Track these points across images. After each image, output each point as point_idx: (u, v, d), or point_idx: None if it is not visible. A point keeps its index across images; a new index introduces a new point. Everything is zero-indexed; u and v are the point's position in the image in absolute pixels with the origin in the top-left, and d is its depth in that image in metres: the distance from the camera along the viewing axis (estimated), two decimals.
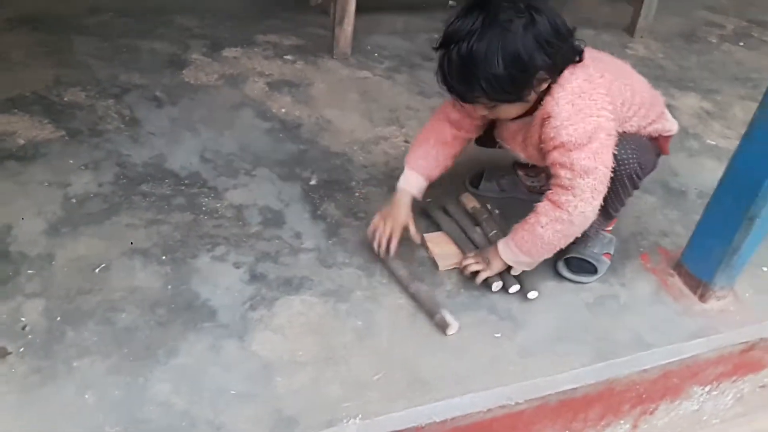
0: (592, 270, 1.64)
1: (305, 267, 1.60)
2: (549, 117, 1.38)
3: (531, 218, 1.44)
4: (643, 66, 2.69)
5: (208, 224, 1.69)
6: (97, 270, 1.53)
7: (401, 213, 1.59)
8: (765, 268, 1.78)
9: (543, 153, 1.44)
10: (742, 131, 1.48)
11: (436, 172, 1.62)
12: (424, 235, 1.69)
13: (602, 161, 1.37)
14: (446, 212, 1.77)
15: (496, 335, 1.47)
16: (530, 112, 1.45)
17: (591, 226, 1.47)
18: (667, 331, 1.57)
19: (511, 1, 1.30)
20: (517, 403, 1.36)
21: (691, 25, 3.12)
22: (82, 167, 1.82)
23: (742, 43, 3.00)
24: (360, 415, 1.27)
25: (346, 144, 2.06)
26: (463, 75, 1.33)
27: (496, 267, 1.53)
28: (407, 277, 1.56)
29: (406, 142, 2.09)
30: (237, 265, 1.58)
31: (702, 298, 1.64)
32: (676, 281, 1.69)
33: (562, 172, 1.38)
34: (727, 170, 1.53)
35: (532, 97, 1.40)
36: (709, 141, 2.26)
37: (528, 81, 1.34)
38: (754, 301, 1.68)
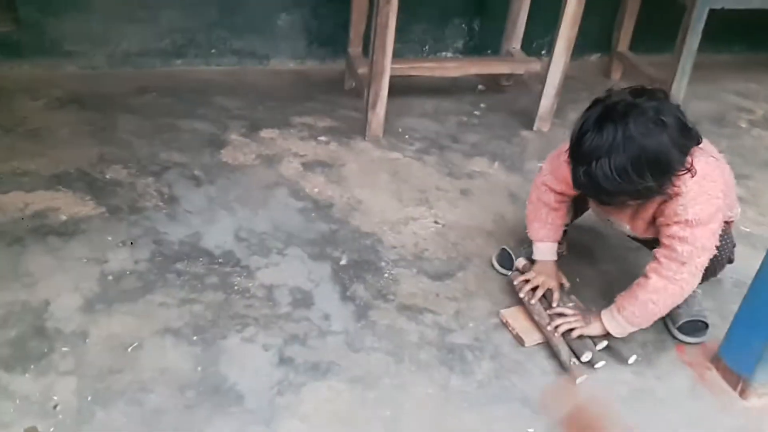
0: (703, 327, 1.73)
1: (333, 351, 1.59)
2: (677, 195, 1.46)
3: (640, 294, 1.54)
4: None
5: (239, 304, 1.70)
6: (129, 349, 1.54)
7: (553, 272, 1.76)
8: None
9: (655, 226, 1.56)
10: None
11: (559, 233, 1.78)
12: (502, 311, 1.74)
13: (716, 241, 1.51)
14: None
15: (529, 430, 1.43)
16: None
17: None
18: (704, 428, 1.51)
19: (640, 111, 1.37)
20: None
21: (721, 110, 3.14)
22: (120, 244, 1.87)
23: None
24: None
25: (377, 224, 2.09)
26: (611, 190, 1.40)
27: (594, 331, 1.62)
28: (546, 317, 1.66)
29: (436, 222, 2.11)
30: (266, 348, 1.58)
31: (742, 394, 1.59)
32: (714, 375, 1.64)
33: (680, 248, 1.48)
34: (765, 260, 1.50)
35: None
36: (743, 228, 2.24)
37: (671, 180, 1.43)
38: None
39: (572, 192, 1.66)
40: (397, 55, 2.46)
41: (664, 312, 1.58)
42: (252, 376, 1.50)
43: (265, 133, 2.52)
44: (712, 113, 3.08)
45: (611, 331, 1.60)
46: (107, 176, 2.16)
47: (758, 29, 3.58)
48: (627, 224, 1.65)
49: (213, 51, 2.93)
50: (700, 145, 1.48)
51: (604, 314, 1.61)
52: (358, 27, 2.75)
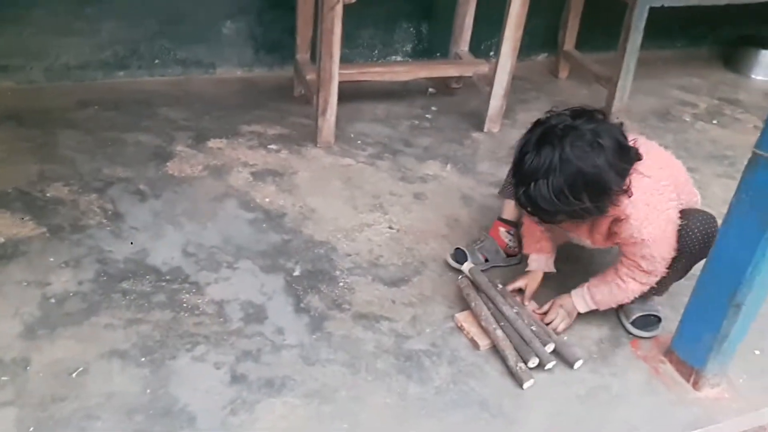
0: (656, 321, 1.77)
1: (287, 365, 1.56)
2: (627, 217, 1.50)
3: (615, 291, 1.65)
4: None
5: (188, 322, 1.65)
6: (74, 374, 1.48)
7: (536, 280, 1.78)
8: (757, 351, 1.75)
9: (612, 240, 1.63)
10: (723, 210, 1.48)
11: (546, 244, 1.77)
12: (457, 315, 1.74)
13: (674, 248, 1.57)
14: (475, 287, 1.77)
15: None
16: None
17: None
18: (661, 422, 1.53)
19: (578, 133, 1.39)
20: None
21: (665, 105, 3.21)
22: (62, 265, 1.79)
23: (715, 121, 3.08)
24: None
25: (330, 232, 2.06)
26: (548, 210, 1.43)
27: (573, 317, 1.72)
28: (493, 322, 1.66)
29: (390, 228, 2.10)
30: (217, 366, 1.54)
31: (695, 385, 1.61)
32: (668, 368, 1.66)
33: (644, 263, 1.57)
34: (710, 256, 1.53)
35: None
36: None
37: (609, 201, 1.46)
38: (748, 387, 1.65)
39: None
40: (345, 60, 2.44)
41: (626, 302, 1.69)
42: (203, 396, 1.45)
43: (213, 143, 2.46)
44: (657, 108, 3.15)
45: (579, 309, 1.70)
46: (48, 194, 2.08)
47: (698, 24, 3.69)
48: (587, 239, 1.67)
49: (156, 61, 2.86)
50: (645, 148, 1.51)
51: (576, 296, 1.70)
52: (304, 33, 2.72)
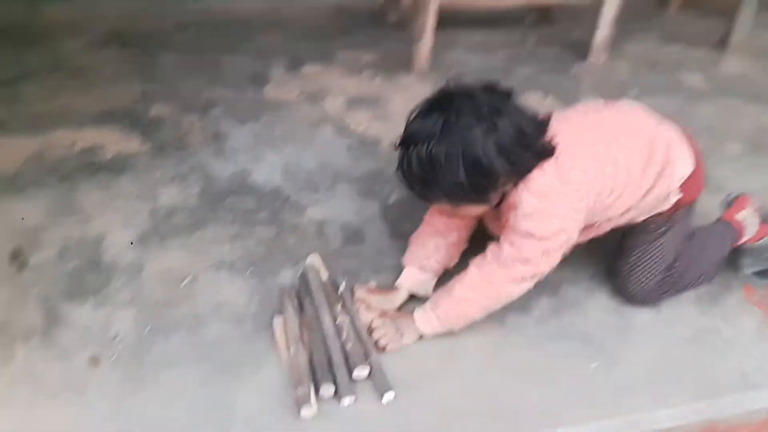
0: None
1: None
2: (515, 208, 1.31)
3: (456, 288, 1.37)
4: (736, 84, 2.56)
5: (290, 239, 1.69)
6: (184, 282, 1.54)
7: (396, 302, 1.50)
8: None
9: None
10: None
11: (431, 262, 1.51)
12: (275, 318, 1.45)
13: (547, 262, 1.32)
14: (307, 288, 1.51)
15: (591, 366, 1.40)
16: (499, 204, 1.37)
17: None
18: None
19: (474, 105, 1.24)
20: None
21: None
22: (169, 180, 1.86)
23: None
24: None
25: None
26: (423, 179, 1.27)
27: (410, 339, 1.41)
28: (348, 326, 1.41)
29: None
30: None
31: None
32: None
33: (507, 250, 1.33)
34: None
35: (496, 197, 1.33)
36: None
37: (490, 186, 1.29)
38: None
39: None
40: None
41: (477, 316, 1.39)
42: None
43: (308, 69, 2.46)
44: None
45: (423, 329, 1.40)
46: (152, 113, 2.14)
47: None
48: (500, 233, 1.40)
49: None
50: (570, 153, 1.31)
51: (417, 312, 1.41)
52: None
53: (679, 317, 1.55)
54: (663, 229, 1.49)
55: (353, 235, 1.72)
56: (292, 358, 1.33)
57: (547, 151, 1.31)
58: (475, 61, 2.57)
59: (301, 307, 1.46)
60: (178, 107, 2.18)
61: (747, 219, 1.66)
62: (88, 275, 1.55)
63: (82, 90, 2.23)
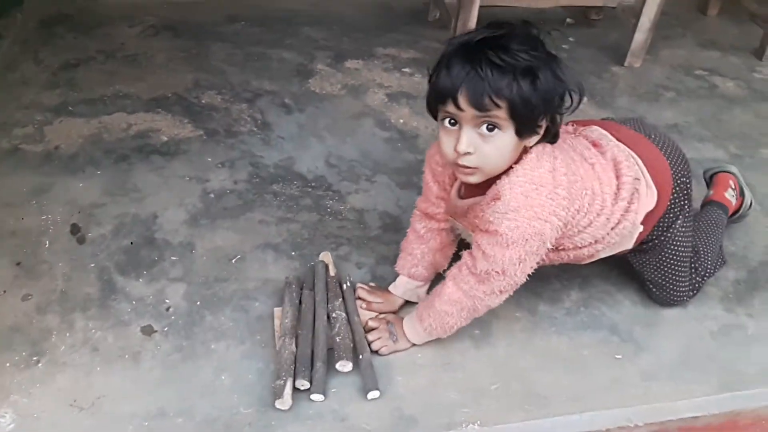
0: None
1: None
2: (497, 199, 1.23)
3: (437, 302, 1.35)
4: None
5: (332, 225, 1.77)
6: (233, 260, 1.64)
7: (393, 306, 1.53)
8: None
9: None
10: None
11: (419, 270, 1.51)
12: (275, 309, 1.50)
13: (523, 270, 1.27)
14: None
15: (617, 356, 1.46)
16: (483, 190, 1.29)
17: None
18: None
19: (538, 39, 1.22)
20: (636, 426, 1.34)
21: None
22: (219, 165, 1.95)
23: None
24: (479, 422, 1.30)
25: None
26: (505, 72, 1.14)
27: (403, 345, 1.43)
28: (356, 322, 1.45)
29: None
30: (359, 266, 1.65)
31: None
32: None
33: (481, 264, 1.27)
34: None
35: (520, 147, 1.24)
36: None
37: (541, 115, 1.20)
38: None
39: (440, 217, 1.49)
40: None
41: (462, 324, 1.38)
42: None
43: (350, 64, 2.54)
44: None
45: (412, 340, 1.42)
46: (203, 101, 2.24)
47: None
48: (471, 230, 1.39)
49: None
50: (562, 151, 1.29)
51: (406, 323, 1.42)
52: None
53: (705, 312, 1.60)
54: (664, 238, 1.47)
55: (391, 224, 1.80)
56: (279, 349, 1.37)
57: (558, 133, 1.27)
58: None
59: (300, 301, 1.49)
60: (227, 96, 2.28)
61: (730, 195, 1.76)
62: (143, 251, 1.66)
63: (136, 76, 2.34)
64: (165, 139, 2.05)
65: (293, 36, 2.67)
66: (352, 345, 1.39)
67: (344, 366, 1.35)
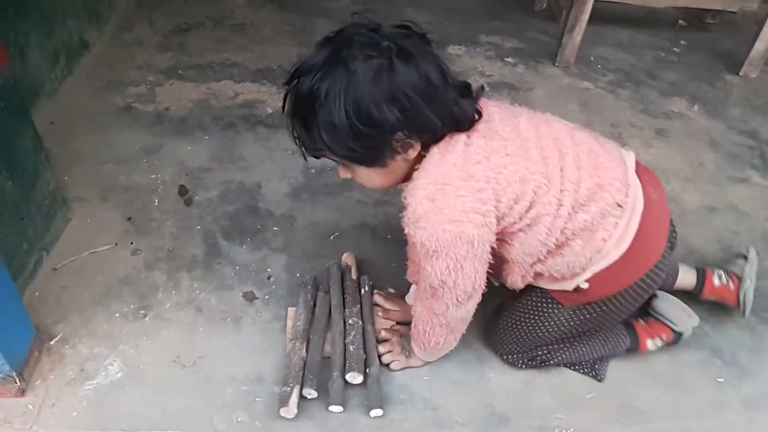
0: None
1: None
2: (405, 206, 1.09)
3: (418, 326, 1.26)
4: None
5: None
6: (331, 237, 1.66)
7: (408, 313, 1.39)
8: None
9: None
10: None
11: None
12: (289, 308, 1.47)
13: (465, 276, 1.10)
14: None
15: (720, 379, 1.41)
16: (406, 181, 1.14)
17: None
18: None
19: (373, 38, 1.03)
20: None
21: None
22: None
23: None
24: (572, 429, 1.28)
25: None
26: (303, 118, 1.05)
27: (415, 363, 1.36)
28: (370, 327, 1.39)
29: None
30: None
31: None
32: None
33: (423, 278, 1.15)
34: None
35: (398, 164, 1.10)
36: None
37: (381, 141, 1.04)
38: None
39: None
40: None
41: (449, 341, 1.26)
42: None
43: (453, 50, 2.51)
44: None
45: (420, 357, 1.34)
46: None
47: None
48: None
49: None
50: (484, 135, 1.09)
51: (413, 344, 1.32)
52: None
53: None
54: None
55: None
56: (289, 353, 1.33)
57: (460, 120, 1.08)
58: (620, 59, 2.53)
59: (314, 304, 1.44)
60: None
61: (652, 344, 1.43)
62: (247, 218, 1.70)
63: (243, 46, 2.39)
64: (270, 111, 2.09)
65: (396, 16, 2.59)
66: (365, 357, 1.33)
67: (354, 378, 1.29)
